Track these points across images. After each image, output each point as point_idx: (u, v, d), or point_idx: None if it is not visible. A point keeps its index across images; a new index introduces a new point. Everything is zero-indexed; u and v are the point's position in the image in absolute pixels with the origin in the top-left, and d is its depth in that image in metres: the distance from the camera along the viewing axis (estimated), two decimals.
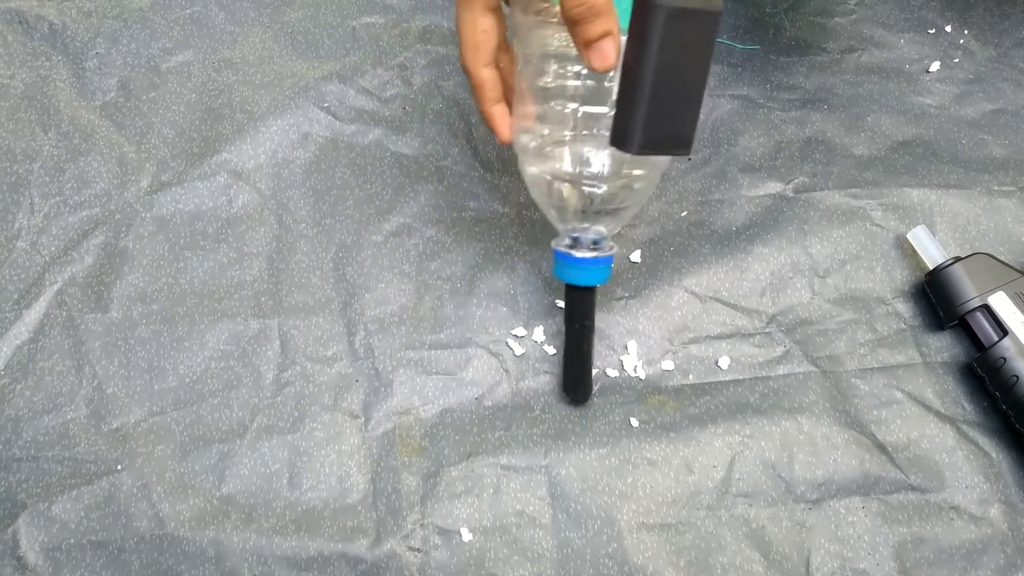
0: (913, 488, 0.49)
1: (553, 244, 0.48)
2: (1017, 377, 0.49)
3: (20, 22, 0.61)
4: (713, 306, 0.54)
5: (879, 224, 0.56)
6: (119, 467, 0.49)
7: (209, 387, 0.52)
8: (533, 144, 0.45)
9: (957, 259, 0.52)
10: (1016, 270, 0.52)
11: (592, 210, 0.45)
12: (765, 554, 0.48)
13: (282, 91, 0.60)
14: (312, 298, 0.54)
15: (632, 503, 0.49)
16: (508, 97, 0.46)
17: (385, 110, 0.60)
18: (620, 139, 0.38)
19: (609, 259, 0.47)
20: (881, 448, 0.50)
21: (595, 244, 0.47)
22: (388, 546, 0.48)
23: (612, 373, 0.53)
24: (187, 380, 0.52)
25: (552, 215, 0.47)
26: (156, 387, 0.52)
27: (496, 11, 0.42)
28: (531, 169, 0.46)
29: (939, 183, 0.57)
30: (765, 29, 0.64)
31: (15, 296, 0.53)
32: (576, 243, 0.47)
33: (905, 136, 0.59)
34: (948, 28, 0.63)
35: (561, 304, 0.54)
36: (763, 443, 0.50)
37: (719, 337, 0.54)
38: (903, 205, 0.57)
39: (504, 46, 0.44)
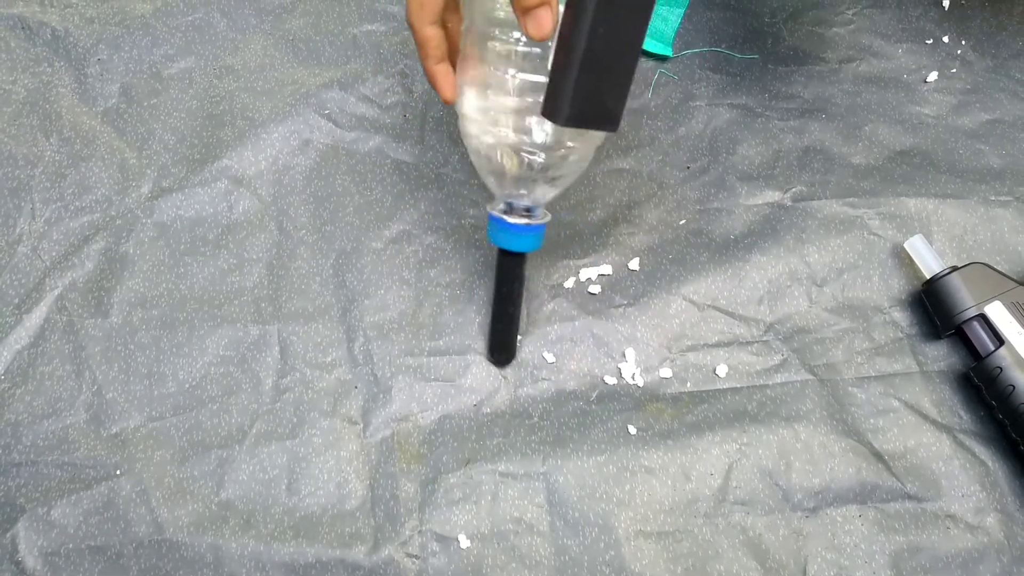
0: (910, 497, 0.50)
1: (488, 208, 0.49)
2: (1013, 386, 0.49)
3: (22, 28, 0.61)
4: (711, 314, 0.55)
5: (876, 233, 0.56)
6: (118, 472, 0.49)
7: (208, 393, 0.52)
8: (475, 108, 0.45)
9: (954, 268, 0.52)
10: (1013, 280, 0.52)
11: (530, 177, 0.46)
12: (762, 562, 0.48)
13: (283, 98, 0.60)
14: (312, 304, 0.55)
15: (630, 511, 0.49)
16: (453, 58, 0.46)
17: (385, 117, 0.60)
18: (550, 110, 0.39)
19: (541, 227, 0.48)
20: (878, 456, 0.50)
21: (528, 211, 0.47)
22: (386, 552, 0.48)
23: (610, 380, 0.53)
24: (187, 386, 0.52)
25: (489, 180, 0.48)
26: (156, 392, 0.52)
27: None
28: (472, 133, 0.46)
29: (936, 193, 0.57)
30: (764, 39, 0.64)
31: (16, 301, 0.53)
32: (510, 209, 0.48)
33: (903, 146, 0.60)
34: (946, 39, 0.64)
35: (559, 308, 0.54)
36: (760, 451, 0.50)
37: (717, 345, 0.54)
38: (900, 214, 0.57)
39: (453, 5, 0.44)
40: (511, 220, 0.47)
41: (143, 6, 0.63)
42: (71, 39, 0.61)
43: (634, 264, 0.56)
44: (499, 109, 0.44)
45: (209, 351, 0.53)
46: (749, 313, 0.55)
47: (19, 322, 0.53)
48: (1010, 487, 0.50)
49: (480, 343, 0.54)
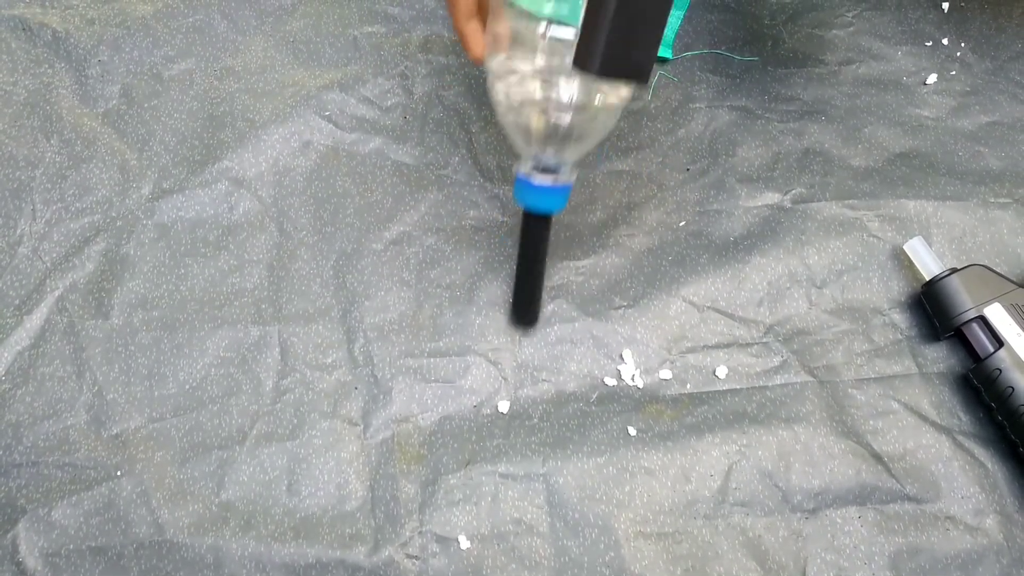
0: (909, 498, 0.50)
1: (515, 168, 0.48)
2: (1012, 388, 0.49)
3: (23, 29, 0.61)
4: (711, 316, 0.55)
5: (876, 235, 0.56)
6: (119, 473, 0.49)
7: (209, 394, 0.52)
8: (503, 67, 0.45)
9: (953, 270, 0.52)
10: (1012, 282, 0.52)
11: (556, 136, 0.45)
12: (761, 563, 0.48)
13: (283, 99, 0.60)
14: (312, 305, 0.55)
15: (629, 512, 0.49)
16: (483, 15, 0.46)
17: (386, 119, 0.60)
18: (582, 60, 0.39)
19: (567, 187, 0.48)
20: (877, 458, 0.51)
21: (555, 171, 0.47)
22: (386, 553, 0.48)
23: (610, 382, 0.53)
24: (187, 387, 0.52)
25: (517, 139, 0.47)
26: (156, 393, 0.52)
27: None
28: (500, 91, 0.46)
29: (936, 195, 0.57)
30: (763, 41, 0.64)
31: (16, 302, 0.53)
32: (537, 168, 0.47)
33: (902, 148, 0.60)
34: (945, 41, 0.64)
35: (559, 309, 0.54)
36: (760, 452, 0.51)
37: (716, 347, 0.54)
38: (900, 216, 0.57)
39: None
40: (538, 180, 0.47)
41: (144, 8, 0.63)
42: (72, 40, 0.61)
43: (634, 266, 0.56)
44: (527, 66, 0.44)
45: (209, 352, 0.53)
46: (749, 315, 0.55)
47: (20, 323, 0.53)
48: (1009, 489, 0.50)
49: (481, 344, 0.54)
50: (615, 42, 0.38)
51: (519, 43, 0.44)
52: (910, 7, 0.65)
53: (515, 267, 0.52)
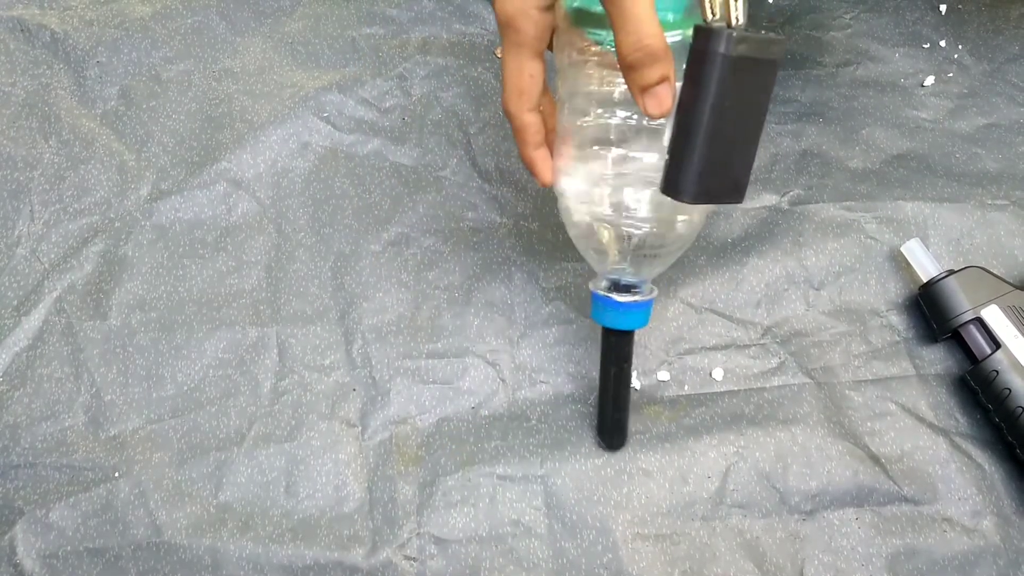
0: (906, 500, 0.50)
1: (591, 286, 0.47)
2: (1009, 390, 0.49)
3: (22, 30, 0.61)
4: (708, 317, 0.55)
5: (873, 237, 0.57)
6: (116, 474, 0.49)
7: (207, 395, 0.52)
8: (573, 186, 0.44)
9: (951, 272, 0.52)
10: (1009, 283, 0.52)
11: (630, 252, 0.44)
12: (759, 565, 0.48)
13: (282, 101, 0.60)
14: (310, 307, 0.55)
15: (627, 513, 0.49)
16: (549, 140, 0.45)
17: (384, 120, 0.61)
18: (673, 187, 0.37)
19: (648, 303, 0.46)
20: (875, 459, 0.51)
21: (634, 288, 0.46)
22: (384, 555, 0.48)
23: None
24: (185, 388, 0.52)
25: (591, 257, 0.46)
26: (154, 395, 0.52)
27: (542, 55, 0.41)
28: (570, 211, 0.45)
29: (933, 196, 0.58)
30: None
31: (14, 303, 0.53)
32: (614, 286, 0.46)
33: (899, 149, 0.60)
34: (943, 43, 0.64)
35: (558, 311, 0.55)
36: (757, 454, 0.51)
37: (714, 348, 0.54)
38: (897, 218, 0.57)
39: (545, 88, 0.43)
40: (617, 298, 0.45)
41: (142, 9, 0.63)
42: (70, 41, 0.61)
43: None
44: (597, 185, 0.43)
45: (207, 353, 0.53)
46: (746, 316, 0.55)
47: (18, 324, 0.53)
48: (1006, 490, 0.50)
49: (479, 345, 0.54)
50: (708, 167, 0.36)
51: (588, 162, 0.43)
52: (908, 9, 0.65)
53: (598, 386, 0.50)
